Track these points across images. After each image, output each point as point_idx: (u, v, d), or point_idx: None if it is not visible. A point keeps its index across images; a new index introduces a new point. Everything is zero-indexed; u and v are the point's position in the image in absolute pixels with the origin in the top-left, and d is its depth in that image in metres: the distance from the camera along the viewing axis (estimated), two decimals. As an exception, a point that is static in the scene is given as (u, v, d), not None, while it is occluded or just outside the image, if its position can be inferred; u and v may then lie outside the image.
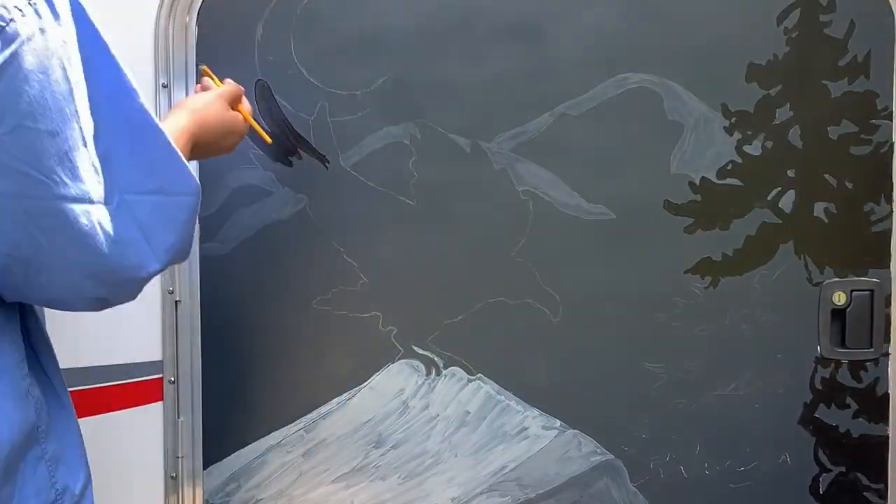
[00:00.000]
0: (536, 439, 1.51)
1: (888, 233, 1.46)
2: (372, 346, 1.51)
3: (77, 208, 0.87)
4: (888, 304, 1.47)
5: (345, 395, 1.52)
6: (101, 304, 0.94)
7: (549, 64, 1.45)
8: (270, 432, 1.52)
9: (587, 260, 1.48)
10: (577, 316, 1.49)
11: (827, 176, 1.46)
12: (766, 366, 1.49)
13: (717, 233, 1.47)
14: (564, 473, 1.51)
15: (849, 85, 1.44)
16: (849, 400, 1.49)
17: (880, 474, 1.50)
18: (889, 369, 1.48)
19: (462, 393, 1.52)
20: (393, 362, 1.51)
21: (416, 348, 1.51)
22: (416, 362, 1.51)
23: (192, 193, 0.97)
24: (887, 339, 1.48)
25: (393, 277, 1.49)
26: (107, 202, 0.89)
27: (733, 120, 1.45)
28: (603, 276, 1.48)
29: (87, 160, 0.88)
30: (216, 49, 1.47)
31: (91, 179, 0.88)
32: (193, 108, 1.17)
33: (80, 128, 0.88)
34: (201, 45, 1.47)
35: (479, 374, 1.51)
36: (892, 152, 1.45)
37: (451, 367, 1.51)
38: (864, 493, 1.49)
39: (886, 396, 1.48)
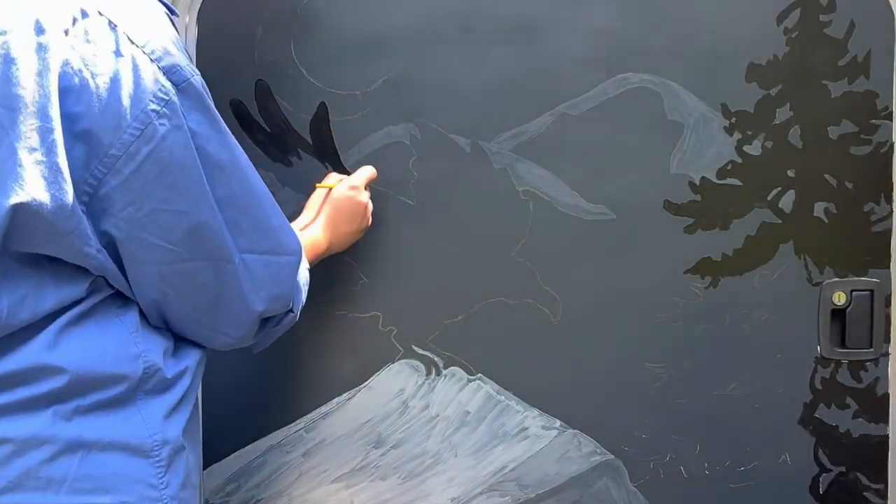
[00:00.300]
0: (536, 439, 1.51)
1: (888, 233, 1.46)
2: (372, 346, 1.51)
3: (198, 265, 1.03)
4: (888, 304, 1.47)
5: (345, 395, 1.52)
6: (220, 339, 1.12)
7: (549, 64, 1.45)
8: (270, 432, 1.52)
9: (587, 260, 1.48)
10: (577, 316, 1.49)
11: (827, 176, 1.46)
12: (766, 366, 1.49)
13: (717, 233, 1.47)
14: (564, 473, 1.51)
15: (849, 85, 1.44)
16: (849, 400, 1.49)
17: (880, 474, 1.50)
18: (889, 369, 1.48)
19: (462, 393, 1.52)
20: (393, 362, 1.51)
21: (416, 348, 1.51)
22: (416, 362, 1.51)
23: (296, 254, 1.13)
24: (887, 339, 1.48)
25: (393, 277, 1.49)
26: (229, 261, 1.05)
27: (733, 120, 1.45)
28: (603, 276, 1.48)
29: (214, 229, 1.02)
30: (216, 49, 1.47)
31: (215, 245, 1.03)
32: (323, 205, 1.40)
33: (210, 204, 1.01)
34: (201, 45, 1.47)
35: (479, 374, 1.51)
36: (892, 152, 1.45)
37: (451, 367, 1.51)
38: (864, 493, 1.49)
39: (886, 396, 1.48)
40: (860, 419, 1.49)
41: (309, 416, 1.52)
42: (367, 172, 1.43)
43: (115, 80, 0.94)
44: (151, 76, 0.96)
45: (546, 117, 1.46)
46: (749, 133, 1.45)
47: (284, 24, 1.46)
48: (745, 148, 1.46)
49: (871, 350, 1.48)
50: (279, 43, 1.47)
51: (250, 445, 1.52)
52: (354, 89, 1.47)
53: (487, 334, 1.50)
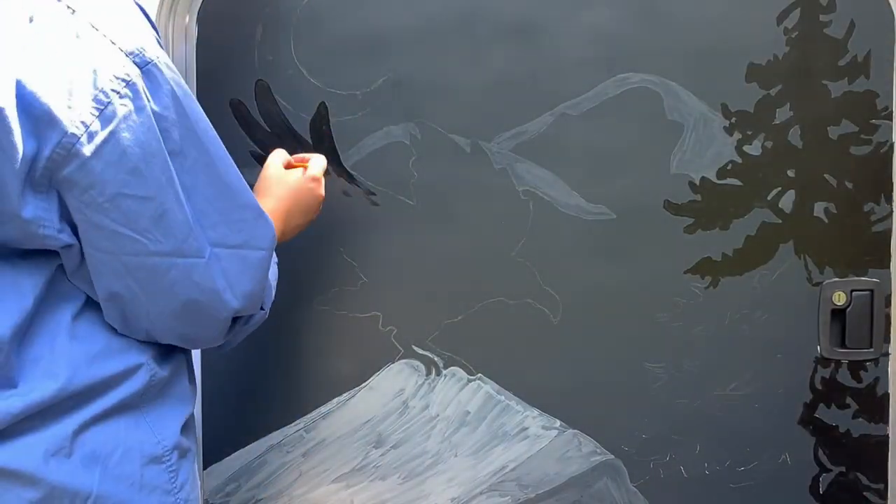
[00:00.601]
0: (536, 439, 1.51)
1: (888, 233, 1.46)
2: (372, 346, 1.51)
3: (167, 262, 0.99)
4: (888, 304, 1.47)
5: (345, 395, 1.52)
6: (188, 341, 1.08)
7: (549, 64, 1.45)
8: (270, 432, 1.52)
9: (587, 260, 1.48)
10: (577, 316, 1.49)
11: (827, 176, 1.46)
12: (766, 366, 1.49)
13: (717, 233, 1.47)
14: (564, 473, 1.51)
15: (849, 85, 1.44)
16: (849, 400, 1.49)
17: (880, 474, 1.49)
18: (889, 369, 1.48)
19: (462, 393, 1.52)
20: (393, 362, 1.51)
21: (416, 348, 1.51)
22: (416, 362, 1.51)
23: (269, 248, 1.09)
24: (887, 339, 1.48)
25: (393, 277, 1.49)
26: (198, 255, 1.01)
27: (733, 120, 1.45)
28: (603, 276, 1.48)
29: (180, 220, 0.99)
30: (216, 49, 1.47)
31: (183, 236, 0.99)
32: (283, 194, 1.30)
33: (176, 191, 0.98)
34: (201, 46, 1.47)
35: (479, 374, 1.51)
36: (892, 152, 1.45)
37: (451, 367, 1.51)
38: (864, 493, 1.49)
39: (886, 396, 1.48)
40: (860, 419, 1.49)
41: (309, 416, 1.52)
42: (323, 162, 1.35)
43: (73, 62, 0.93)
44: (112, 58, 0.94)
45: (546, 117, 1.46)
46: (749, 133, 1.45)
47: (284, 24, 1.46)
48: (745, 148, 1.46)
49: (871, 350, 1.48)
50: (279, 43, 1.47)
51: (250, 445, 1.52)
52: (354, 89, 1.47)
53: (487, 334, 1.50)
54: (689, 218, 1.47)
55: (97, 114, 0.93)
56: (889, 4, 1.43)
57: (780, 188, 1.46)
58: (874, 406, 1.49)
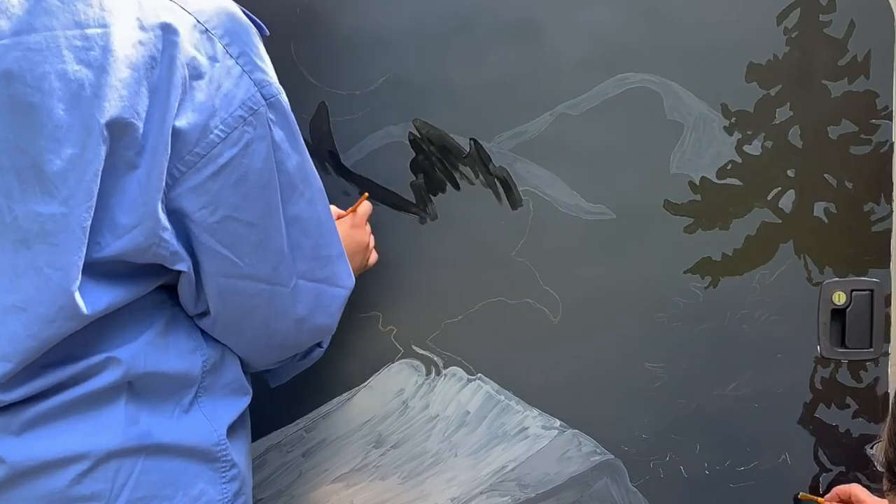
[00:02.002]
0: (536, 439, 1.51)
1: (888, 233, 1.46)
2: (372, 346, 1.51)
3: (255, 286, 1.04)
4: (888, 303, 1.47)
5: (345, 395, 1.52)
6: (249, 360, 1.13)
7: (549, 64, 1.45)
8: (270, 432, 1.52)
9: (587, 260, 1.48)
10: (577, 316, 1.49)
11: (827, 176, 1.46)
12: (766, 366, 1.49)
13: (717, 233, 1.47)
14: (564, 473, 1.51)
15: (849, 85, 1.44)
16: (849, 400, 1.49)
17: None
18: (889, 369, 1.48)
19: (462, 393, 1.52)
20: (393, 362, 1.51)
21: (415, 348, 1.51)
22: (416, 362, 1.51)
23: (347, 288, 1.14)
24: (887, 339, 1.48)
25: (393, 277, 1.49)
26: (285, 284, 1.06)
27: (733, 120, 1.45)
28: (603, 276, 1.48)
29: (276, 248, 1.04)
30: (216, 49, 1.46)
31: (275, 264, 1.04)
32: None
33: (279, 220, 1.03)
34: (201, 45, 1.47)
35: (479, 374, 1.51)
36: (893, 152, 1.45)
37: (451, 367, 1.51)
38: (864, 493, 1.49)
39: (886, 396, 1.48)
40: (860, 419, 1.49)
41: (309, 416, 1.52)
42: (367, 208, 1.39)
43: (209, 85, 0.96)
44: (243, 86, 0.99)
45: (546, 117, 1.46)
46: (749, 133, 1.45)
47: (284, 24, 1.46)
48: (745, 148, 1.46)
49: (871, 350, 1.48)
50: (279, 43, 1.46)
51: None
52: (354, 89, 1.47)
53: (487, 334, 1.50)
54: (689, 218, 1.47)
55: (223, 137, 0.97)
56: (889, 4, 1.43)
57: (779, 188, 1.46)
58: (874, 406, 1.49)
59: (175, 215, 0.98)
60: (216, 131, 0.96)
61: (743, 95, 1.44)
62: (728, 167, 1.46)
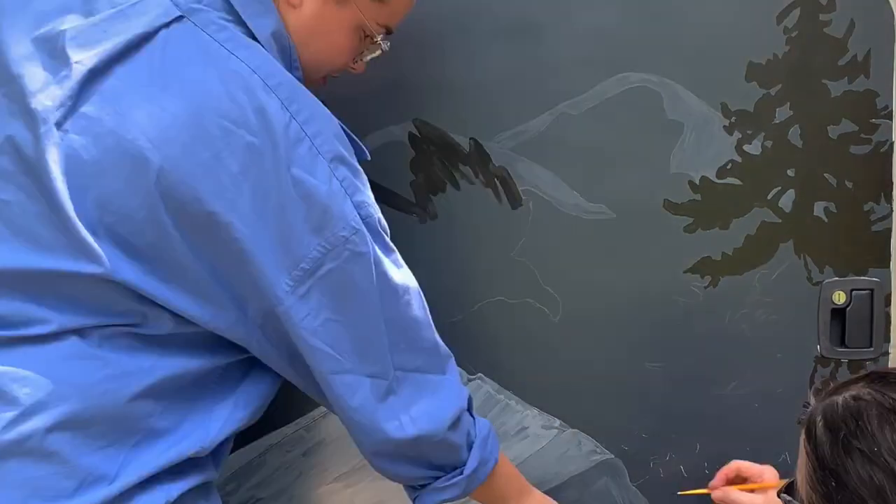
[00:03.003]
0: (536, 439, 1.51)
1: (888, 233, 1.46)
2: (372, 346, 1.50)
3: (350, 379, 1.13)
4: (888, 303, 1.47)
5: (345, 394, 1.52)
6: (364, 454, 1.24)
7: (549, 63, 1.45)
8: (270, 432, 1.52)
9: (587, 260, 1.48)
10: (577, 316, 1.49)
11: (827, 175, 1.46)
12: (766, 365, 1.49)
13: (717, 232, 1.47)
14: (564, 472, 1.51)
15: (849, 84, 1.44)
16: (849, 399, 1.49)
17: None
18: (889, 369, 1.48)
19: (462, 392, 1.51)
20: (393, 362, 1.51)
21: (415, 348, 1.51)
22: (416, 362, 1.51)
23: (447, 373, 1.22)
24: (887, 339, 1.48)
25: (393, 277, 1.49)
26: (384, 377, 1.14)
27: (733, 119, 1.45)
28: (603, 275, 1.48)
29: (377, 345, 1.13)
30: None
31: (373, 359, 1.14)
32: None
33: (379, 322, 1.13)
34: (201, 45, 1.46)
35: (479, 374, 1.51)
36: (893, 152, 1.45)
37: (451, 367, 1.51)
38: (864, 493, 1.49)
39: (886, 396, 1.48)
40: (860, 419, 1.49)
41: (309, 415, 1.52)
42: None
43: (323, 205, 1.07)
44: (346, 208, 1.08)
45: (546, 116, 1.46)
46: (749, 132, 1.45)
47: (284, 23, 1.46)
48: (745, 147, 1.46)
49: (871, 349, 1.48)
50: (279, 42, 1.46)
51: (250, 445, 1.52)
52: (354, 89, 1.47)
53: (487, 334, 1.50)
54: (689, 217, 1.47)
55: (325, 252, 1.07)
56: (889, 4, 1.43)
57: (779, 188, 1.46)
58: (874, 406, 1.48)
59: (280, 326, 1.10)
60: (318, 248, 1.07)
61: (743, 95, 1.44)
62: (728, 167, 1.46)
